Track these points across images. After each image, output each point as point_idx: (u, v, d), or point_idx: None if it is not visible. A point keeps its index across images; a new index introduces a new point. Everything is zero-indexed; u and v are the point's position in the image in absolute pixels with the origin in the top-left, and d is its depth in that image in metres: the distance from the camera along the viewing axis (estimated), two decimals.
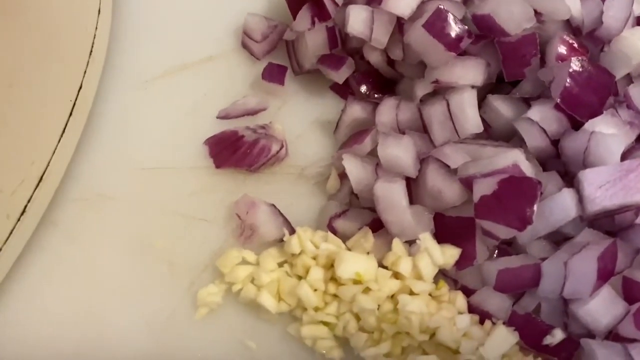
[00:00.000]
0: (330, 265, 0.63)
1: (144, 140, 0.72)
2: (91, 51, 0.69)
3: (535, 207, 0.57)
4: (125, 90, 0.75)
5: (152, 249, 0.67)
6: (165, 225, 0.68)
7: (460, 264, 0.62)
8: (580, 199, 0.58)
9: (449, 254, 0.62)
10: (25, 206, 0.62)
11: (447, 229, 0.63)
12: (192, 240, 0.68)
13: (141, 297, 0.65)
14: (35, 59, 0.62)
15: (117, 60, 0.76)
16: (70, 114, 0.66)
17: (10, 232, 0.61)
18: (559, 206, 0.59)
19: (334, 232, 0.66)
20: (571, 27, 0.66)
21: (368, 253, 0.63)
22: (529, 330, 0.60)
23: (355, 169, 0.66)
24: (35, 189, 0.62)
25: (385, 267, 0.62)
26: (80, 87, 0.67)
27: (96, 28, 0.71)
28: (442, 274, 0.63)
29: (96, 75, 0.72)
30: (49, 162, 0.64)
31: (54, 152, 0.64)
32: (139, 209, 0.69)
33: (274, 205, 0.68)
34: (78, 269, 0.66)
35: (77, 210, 0.69)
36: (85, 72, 0.68)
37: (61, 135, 0.65)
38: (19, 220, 0.61)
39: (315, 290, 0.62)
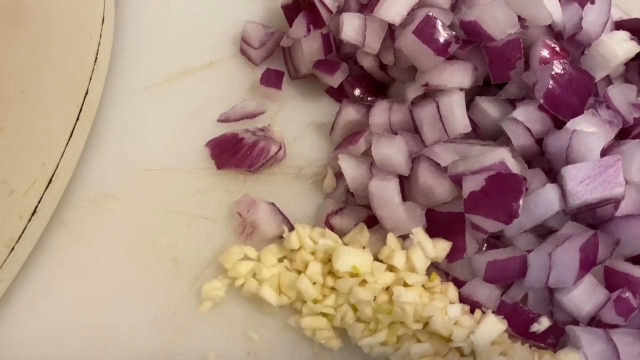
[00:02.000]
0: (328, 260, 0.65)
1: (147, 143, 0.75)
2: (96, 58, 0.72)
3: (520, 202, 0.60)
4: (129, 95, 0.77)
5: (158, 247, 0.70)
6: (170, 224, 0.71)
7: (451, 256, 0.65)
8: (563, 194, 0.61)
9: (441, 248, 0.65)
10: (36, 206, 0.65)
11: (438, 223, 0.65)
12: (195, 238, 0.70)
13: (148, 293, 0.68)
14: (46, 67, 0.65)
15: (120, 67, 0.78)
16: (78, 118, 0.69)
17: (22, 232, 0.63)
18: (543, 201, 0.62)
19: (331, 228, 0.68)
20: (553, 32, 0.70)
21: (364, 247, 0.66)
22: (517, 319, 0.63)
23: (351, 169, 0.69)
24: (46, 189, 0.65)
25: (381, 261, 0.65)
26: (87, 93, 0.70)
27: (100, 36, 0.74)
28: (434, 267, 0.66)
29: (101, 81, 0.74)
30: (58, 164, 0.66)
31: (63, 154, 0.67)
32: (144, 208, 0.71)
33: (273, 204, 0.71)
34: (86, 267, 0.69)
35: (84, 211, 0.71)
36: (90, 78, 0.71)
37: (69, 139, 0.68)
38: (30, 220, 0.64)
39: (314, 283, 0.65)
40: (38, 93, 0.64)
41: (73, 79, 0.70)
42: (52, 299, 0.67)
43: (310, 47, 0.74)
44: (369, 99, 0.75)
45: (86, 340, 0.66)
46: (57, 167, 0.66)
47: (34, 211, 0.65)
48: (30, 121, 0.63)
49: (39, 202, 0.65)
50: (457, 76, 0.69)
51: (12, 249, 0.63)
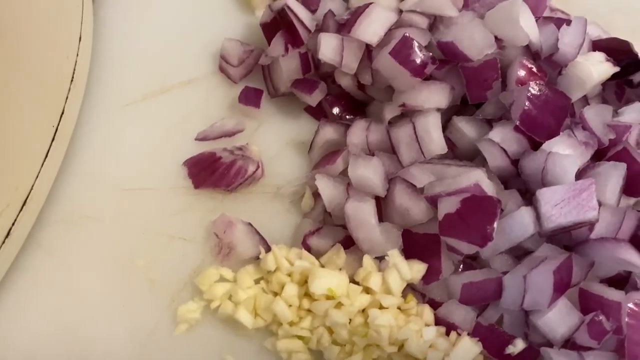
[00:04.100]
0: (304, 282, 0.65)
1: (125, 162, 0.74)
2: (73, 77, 0.72)
3: (495, 225, 0.60)
4: (107, 114, 0.77)
5: (134, 268, 0.69)
6: (146, 244, 0.70)
7: (427, 278, 0.65)
8: (538, 217, 0.61)
9: (416, 269, 0.65)
10: (10, 229, 0.64)
11: (414, 245, 0.65)
12: (172, 258, 0.70)
13: (123, 314, 0.67)
14: (20, 88, 0.64)
15: (98, 85, 0.78)
16: (53, 138, 0.68)
17: None
18: (517, 223, 0.61)
19: (308, 249, 0.68)
20: (530, 52, 0.69)
21: (340, 269, 0.66)
22: (492, 341, 0.63)
23: (328, 189, 0.69)
24: (20, 212, 0.64)
25: (357, 283, 0.65)
26: (63, 113, 0.70)
27: (77, 55, 0.73)
28: (410, 288, 0.66)
29: (78, 101, 0.74)
30: (32, 186, 0.66)
31: (37, 176, 0.66)
32: (120, 228, 0.71)
33: (250, 224, 0.70)
34: (62, 288, 0.68)
35: (60, 231, 0.71)
36: (67, 98, 0.70)
37: (44, 160, 0.67)
38: (4, 242, 0.63)
39: (290, 305, 0.64)
40: (11, 114, 0.63)
41: (48, 98, 0.69)
42: (27, 320, 0.67)
43: (288, 66, 0.74)
44: (347, 118, 0.75)
45: None
46: (31, 189, 0.65)
47: (8, 233, 0.64)
48: (3, 143, 0.62)
49: (13, 224, 0.64)
50: (434, 97, 0.69)
51: None
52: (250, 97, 0.77)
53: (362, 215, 0.65)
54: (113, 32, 0.82)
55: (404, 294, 0.65)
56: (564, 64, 0.69)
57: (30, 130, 0.66)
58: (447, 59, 0.69)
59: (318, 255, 0.68)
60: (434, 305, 0.66)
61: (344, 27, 0.71)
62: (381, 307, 0.64)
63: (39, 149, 0.67)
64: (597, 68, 0.67)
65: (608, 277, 0.64)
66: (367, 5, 0.70)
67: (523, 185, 0.67)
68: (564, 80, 0.69)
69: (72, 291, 0.68)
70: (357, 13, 0.70)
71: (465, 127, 0.69)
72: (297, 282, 0.66)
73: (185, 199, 0.73)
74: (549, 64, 0.70)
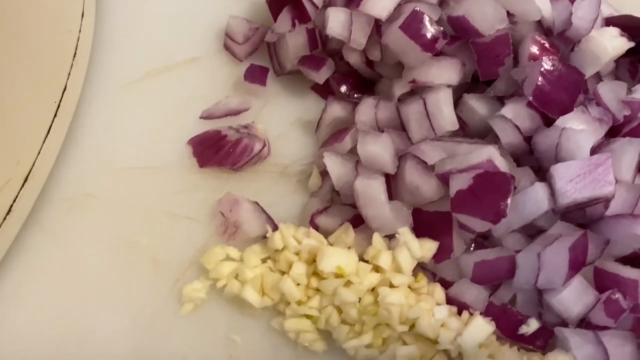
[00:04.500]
0: (312, 260, 0.64)
1: (128, 140, 0.73)
2: (75, 53, 0.70)
3: (508, 201, 0.59)
4: (110, 92, 0.75)
5: (137, 248, 0.68)
6: (150, 223, 0.69)
7: (438, 257, 0.64)
8: (552, 193, 0.60)
9: (427, 248, 0.63)
10: (11, 206, 0.63)
11: (425, 223, 0.64)
12: (176, 238, 0.68)
13: (127, 295, 0.66)
14: (20, 62, 0.63)
15: (101, 62, 0.76)
16: (55, 115, 0.67)
17: None
18: (531, 200, 0.60)
19: (316, 228, 0.67)
20: (543, 27, 0.68)
21: (349, 248, 0.65)
22: (505, 320, 0.62)
23: (336, 167, 0.67)
24: (21, 188, 0.63)
25: (366, 261, 0.64)
26: (65, 89, 0.68)
27: (80, 30, 0.72)
28: (420, 267, 0.65)
29: (80, 77, 0.73)
30: (34, 162, 0.64)
31: (39, 152, 0.65)
32: (123, 208, 0.70)
33: (257, 203, 0.69)
34: (63, 268, 0.67)
35: (62, 210, 0.69)
36: (69, 74, 0.69)
37: (46, 136, 0.66)
38: (4, 219, 0.62)
39: (298, 284, 0.63)
40: (13, 89, 0.62)
41: (50, 74, 0.68)
42: (28, 301, 0.66)
43: (295, 42, 0.73)
44: (355, 95, 0.73)
45: (63, 343, 0.64)
46: (33, 166, 0.64)
47: (9, 210, 0.63)
48: (4, 118, 0.61)
49: (14, 201, 0.63)
50: (444, 72, 0.67)
51: None
52: (256, 75, 0.75)
53: (371, 192, 0.64)
54: (116, 9, 0.80)
55: (415, 273, 0.64)
56: (577, 39, 0.68)
57: (32, 105, 0.65)
58: (457, 35, 0.68)
59: (326, 234, 0.66)
60: (445, 284, 0.65)
61: (353, 2, 0.69)
62: (391, 286, 0.62)
63: (41, 124, 0.65)
64: (611, 43, 0.66)
65: (623, 255, 0.62)
66: None
67: (536, 162, 0.66)
68: (578, 55, 0.68)
69: (74, 271, 0.67)
70: None
71: (477, 105, 0.68)
72: (305, 260, 0.64)
73: (189, 178, 0.71)
74: (561, 40, 0.69)
